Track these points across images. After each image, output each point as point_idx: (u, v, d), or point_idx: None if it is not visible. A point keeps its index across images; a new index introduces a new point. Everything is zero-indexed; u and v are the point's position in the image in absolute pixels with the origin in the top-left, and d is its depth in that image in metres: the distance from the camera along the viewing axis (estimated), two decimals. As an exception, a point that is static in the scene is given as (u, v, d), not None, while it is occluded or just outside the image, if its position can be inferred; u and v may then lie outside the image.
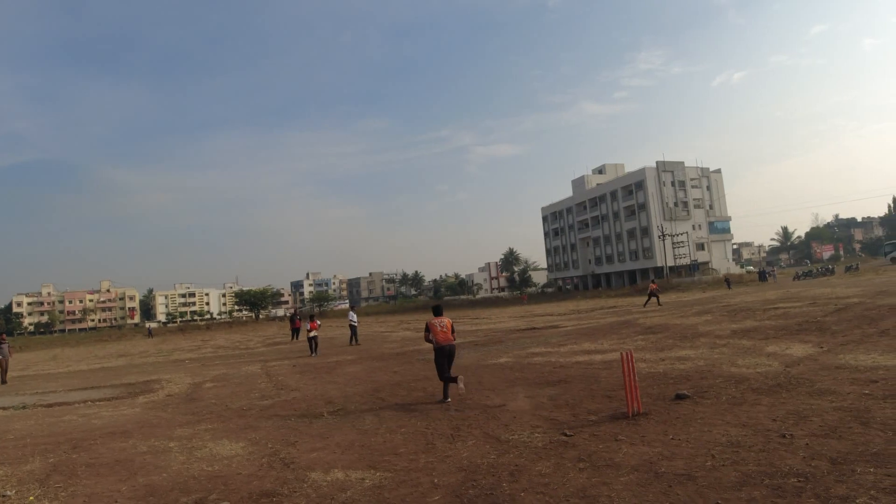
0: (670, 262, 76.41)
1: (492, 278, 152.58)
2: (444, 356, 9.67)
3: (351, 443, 7.04)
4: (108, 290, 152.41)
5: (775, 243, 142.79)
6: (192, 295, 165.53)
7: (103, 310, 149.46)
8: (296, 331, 32.33)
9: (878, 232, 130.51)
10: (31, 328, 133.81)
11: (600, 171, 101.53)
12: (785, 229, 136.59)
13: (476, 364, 13.87)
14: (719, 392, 8.00)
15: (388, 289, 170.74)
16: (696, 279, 66.11)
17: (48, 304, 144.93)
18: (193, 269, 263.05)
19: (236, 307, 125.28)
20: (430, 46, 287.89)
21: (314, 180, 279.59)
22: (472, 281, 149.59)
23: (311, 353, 20.50)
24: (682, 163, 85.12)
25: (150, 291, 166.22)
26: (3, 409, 12.69)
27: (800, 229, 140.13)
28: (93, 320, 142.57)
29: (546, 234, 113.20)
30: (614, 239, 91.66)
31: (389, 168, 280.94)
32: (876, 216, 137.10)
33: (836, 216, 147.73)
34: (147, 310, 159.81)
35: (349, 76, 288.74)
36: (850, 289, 24.43)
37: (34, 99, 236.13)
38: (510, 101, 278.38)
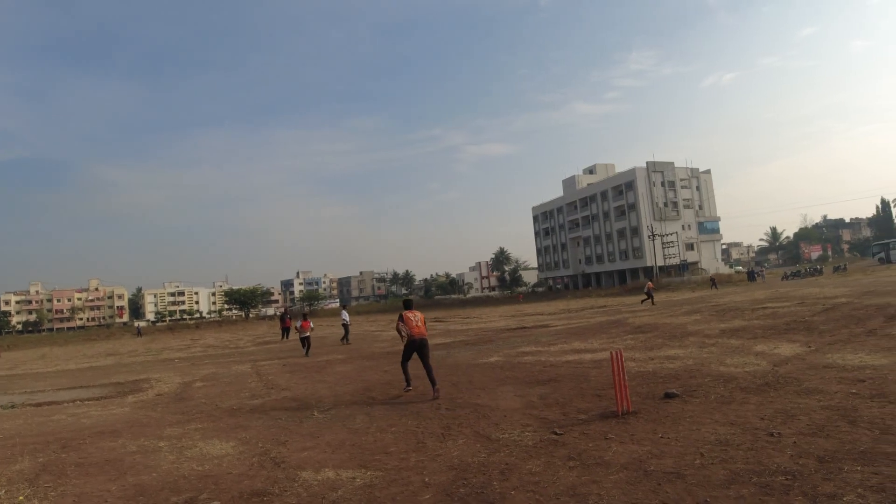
0: (660, 262, 76.78)
1: (482, 277, 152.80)
2: (414, 347, 10.12)
3: (342, 442, 7.04)
4: (97, 289, 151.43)
5: (764, 243, 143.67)
6: (182, 294, 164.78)
7: (92, 308, 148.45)
8: (286, 330, 32.20)
9: (866, 233, 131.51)
10: (19, 327, 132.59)
11: (591, 171, 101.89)
12: (774, 230, 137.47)
13: (467, 363, 13.89)
14: (708, 391, 8.04)
15: (379, 288, 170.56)
16: (686, 279, 66.49)
17: (36, 302, 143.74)
18: (183, 267, 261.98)
19: (226, 306, 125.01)
20: (422, 45, 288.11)
21: (304, 178, 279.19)
22: (463, 280, 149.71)
23: (306, 353, 20.11)
24: (672, 163, 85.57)
25: (139, 290, 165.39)
26: (-9, 408, 12.59)
27: (788, 230, 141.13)
28: (81, 319, 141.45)
29: (537, 234, 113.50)
30: (604, 239, 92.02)
31: (380, 167, 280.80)
32: (864, 217, 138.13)
33: (825, 217, 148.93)
34: (136, 309, 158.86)
35: (340, 74, 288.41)
36: (837, 289, 24.66)
37: (22, 95, 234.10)
38: (501, 101, 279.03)
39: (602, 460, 5.39)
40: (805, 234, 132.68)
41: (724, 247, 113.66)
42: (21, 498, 5.60)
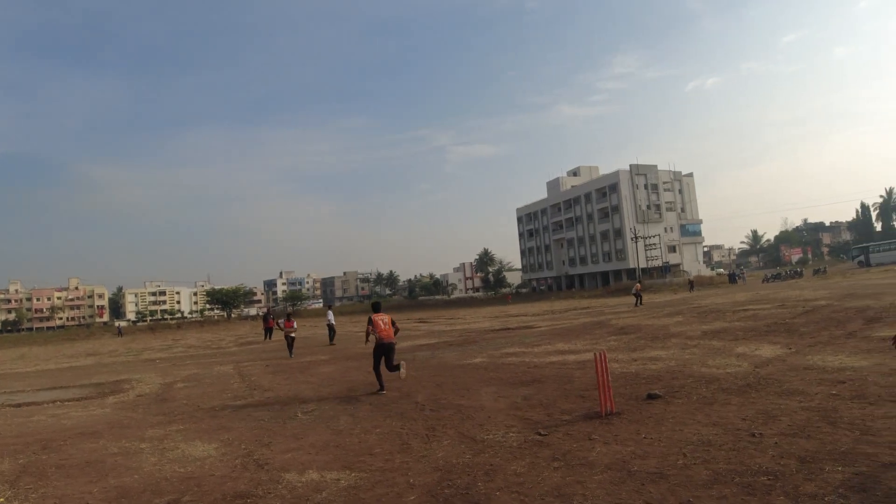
0: (642, 264, 77.22)
1: (466, 278, 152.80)
2: (383, 351, 10.54)
3: (326, 443, 7.02)
4: (77, 288, 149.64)
5: (745, 246, 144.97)
6: (163, 293, 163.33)
7: (72, 308, 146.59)
8: (269, 330, 31.95)
9: (846, 236, 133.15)
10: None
11: (575, 173, 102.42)
12: (755, 233, 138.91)
13: (451, 364, 13.90)
14: (690, 392, 8.11)
15: (363, 288, 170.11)
16: (668, 281, 67.06)
17: (15, 301, 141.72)
18: (164, 267, 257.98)
19: (208, 306, 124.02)
20: (410, 45, 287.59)
21: (289, 178, 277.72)
22: (447, 281, 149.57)
23: (290, 353, 19.58)
24: (656, 166, 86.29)
25: (120, 289, 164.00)
26: (-32, 408, 12.41)
27: (769, 233, 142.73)
28: (61, 318, 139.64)
29: (521, 235, 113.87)
30: (588, 240, 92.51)
31: (366, 166, 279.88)
32: (844, 221, 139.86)
33: (805, 220, 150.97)
34: (116, 308, 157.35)
35: (328, 73, 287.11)
36: (817, 291, 24.96)
37: (4, 90, 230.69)
38: (489, 102, 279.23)
39: (586, 461, 5.42)
40: (786, 237, 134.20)
41: (705, 249, 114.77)
42: (2, 499, 5.53)
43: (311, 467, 5.99)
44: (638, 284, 39.30)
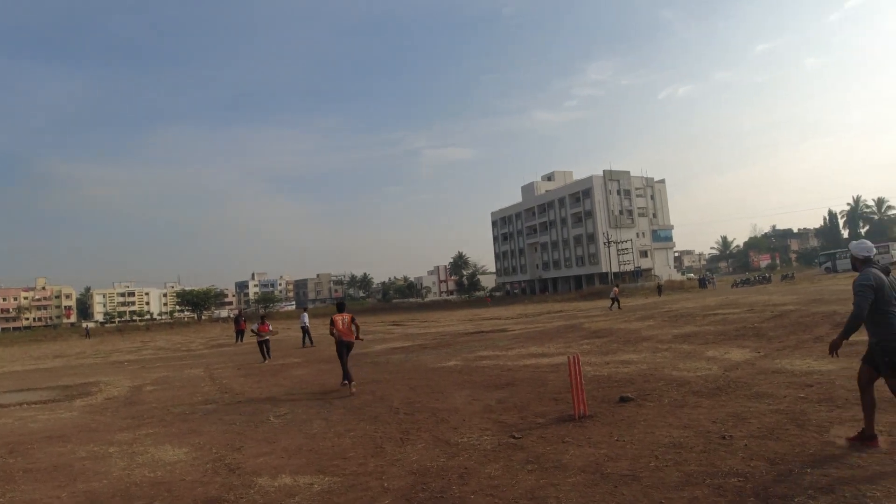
0: (615, 269, 78.03)
1: (441, 281, 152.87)
2: (343, 347, 11.31)
3: (298, 447, 6.96)
4: (44, 288, 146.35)
5: (715, 251, 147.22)
6: (132, 294, 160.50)
7: (38, 308, 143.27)
8: (240, 333, 31.61)
9: (814, 243, 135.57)
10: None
11: (549, 177, 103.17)
12: (724, 238, 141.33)
13: (426, 367, 13.88)
14: (662, 395, 8.19)
15: (336, 290, 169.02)
16: (640, 285, 67.79)
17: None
18: (134, 267, 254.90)
19: (178, 307, 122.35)
20: (386, 48, 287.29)
21: (262, 178, 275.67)
22: (421, 284, 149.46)
23: (264, 358, 18.65)
24: (628, 172, 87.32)
25: (88, 290, 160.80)
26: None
27: (739, 239, 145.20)
28: (27, 319, 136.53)
29: (495, 239, 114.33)
30: (561, 245, 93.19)
31: (340, 168, 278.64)
32: (811, 228, 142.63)
33: (774, 227, 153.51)
34: (84, 309, 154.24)
35: (302, 73, 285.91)
36: (786, 297, 25.40)
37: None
38: (463, 106, 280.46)
39: (560, 463, 5.44)
40: (755, 244, 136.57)
41: (676, 254, 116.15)
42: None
43: (283, 472, 5.93)
44: (616, 288, 39.68)
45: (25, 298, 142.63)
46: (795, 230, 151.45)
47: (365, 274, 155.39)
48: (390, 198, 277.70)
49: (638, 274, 78.16)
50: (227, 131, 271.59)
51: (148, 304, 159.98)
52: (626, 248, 79.78)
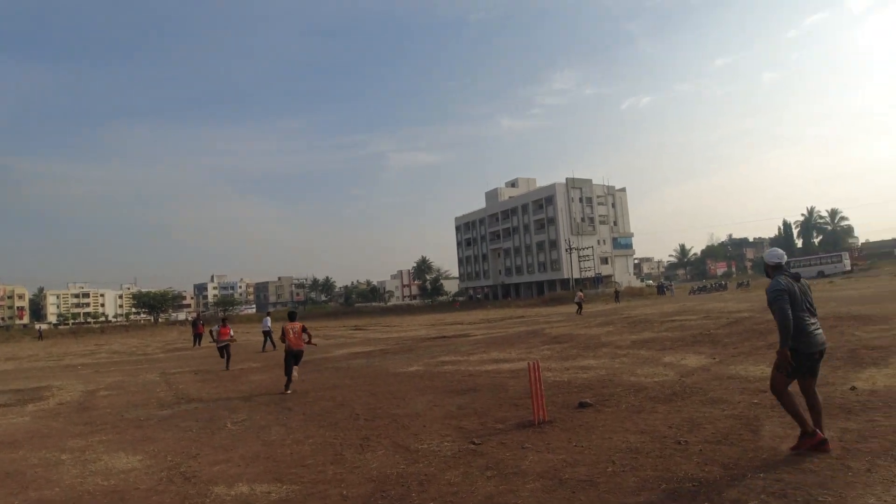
0: (576, 275, 78.89)
1: (404, 286, 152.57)
2: (292, 356, 11.76)
3: (256, 455, 6.85)
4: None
5: (673, 259, 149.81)
6: (87, 295, 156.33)
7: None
8: (198, 336, 31.10)
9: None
10: None
11: (513, 184, 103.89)
12: (682, 246, 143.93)
13: (387, 372, 13.83)
14: (619, 400, 8.30)
15: (298, 294, 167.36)
16: (600, 291, 68.71)
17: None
18: (88, 267, 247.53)
19: (134, 310, 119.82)
20: (352, 51, 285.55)
21: (223, 178, 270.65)
22: (384, 288, 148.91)
23: (226, 365, 17.59)
24: (591, 180, 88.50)
25: (41, 290, 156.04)
26: None
27: (696, 247, 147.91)
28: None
29: (459, 244, 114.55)
30: (524, 251, 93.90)
31: (304, 170, 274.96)
32: (767, 237, 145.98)
33: (730, 236, 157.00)
34: (37, 310, 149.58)
35: (265, 74, 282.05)
36: (741, 304, 25.97)
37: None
38: (428, 111, 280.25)
39: (519, 469, 5.46)
40: (712, 252, 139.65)
41: (636, 261, 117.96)
42: None
43: (240, 480, 5.83)
44: (580, 293, 40.20)
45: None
46: (751, 239, 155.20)
47: (327, 278, 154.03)
48: (355, 200, 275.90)
49: (598, 280, 79.19)
50: (189, 130, 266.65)
51: (103, 305, 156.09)
52: (588, 255, 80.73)
